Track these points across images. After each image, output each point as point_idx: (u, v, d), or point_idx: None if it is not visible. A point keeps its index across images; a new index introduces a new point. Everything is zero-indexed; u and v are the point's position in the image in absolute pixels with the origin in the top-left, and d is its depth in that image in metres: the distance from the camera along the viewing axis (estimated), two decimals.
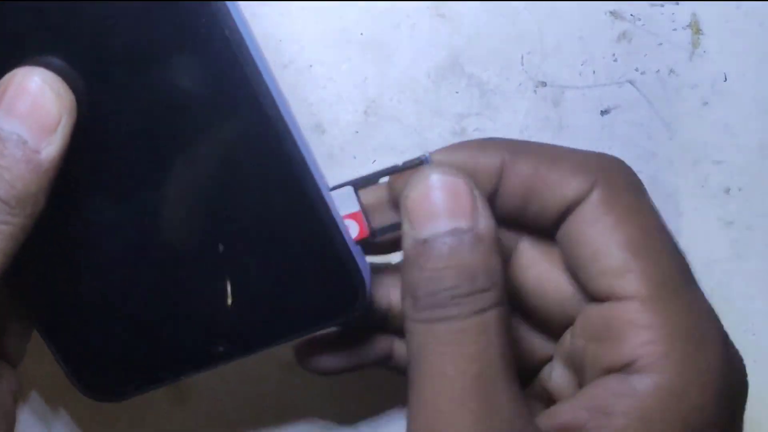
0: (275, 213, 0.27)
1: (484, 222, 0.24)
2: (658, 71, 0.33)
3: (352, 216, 0.27)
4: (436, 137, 0.33)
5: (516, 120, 0.33)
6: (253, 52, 0.26)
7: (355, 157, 0.33)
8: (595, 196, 0.25)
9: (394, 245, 0.28)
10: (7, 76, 0.25)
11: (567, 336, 0.27)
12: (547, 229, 0.27)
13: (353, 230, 0.27)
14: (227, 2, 0.25)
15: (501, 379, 0.23)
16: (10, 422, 0.28)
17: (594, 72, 0.33)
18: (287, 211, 0.27)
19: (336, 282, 0.27)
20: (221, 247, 0.27)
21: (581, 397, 0.25)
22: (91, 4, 0.25)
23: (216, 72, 0.25)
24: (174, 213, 0.27)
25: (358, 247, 0.27)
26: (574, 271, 0.26)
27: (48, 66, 0.25)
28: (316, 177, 0.26)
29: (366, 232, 0.27)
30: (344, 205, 0.27)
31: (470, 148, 0.26)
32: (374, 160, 0.33)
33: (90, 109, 0.26)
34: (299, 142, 0.26)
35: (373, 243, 0.27)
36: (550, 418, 0.25)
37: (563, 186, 0.25)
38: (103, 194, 0.27)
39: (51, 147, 0.25)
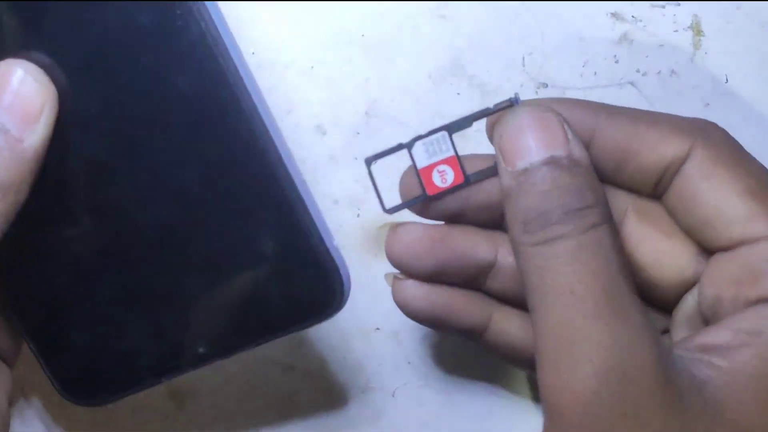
0: (253, 215, 0.27)
1: (579, 151, 0.25)
2: (659, 72, 0.33)
3: (447, 161, 0.27)
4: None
5: None
6: (231, 50, 0.26)
7: (356, 158, 0.33)
8: (699, 154, 0.25)
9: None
10: None
11: (687, 298, 0.27)
12: (642, 191, 0.27)
13: (448, 176, 0.27)
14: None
15: (627, 292, 0.24)
16: (5, 422, 0.28)
17: (595, 73, 0.33)
18: (266, 213, 0.26)
19: (315, 284, 0.27)
20: (200, 249, 0.27)
21: (723, 323, 0.25)
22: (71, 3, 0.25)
23: (191, 68, 0.26)
24: (153, 215, 0.27)
25: (338, 248, 0.27)
26: (693, 228, 0.26)
27: (30, 59, 0.26)
28: (296, 179, 0.26)
29: (461, 178, 0.27)
30: (439, 150, 0.27)
31: (564, 103, 0.27)
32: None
33: (69, 104, 0.26)
34: (276, 141, 0.26)
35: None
36: (686, 341, 0.25)
37: (663, 145, 0.26)
38: (79, 197, 0.27)
39: (34, 136, 0.25)
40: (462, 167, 0.27)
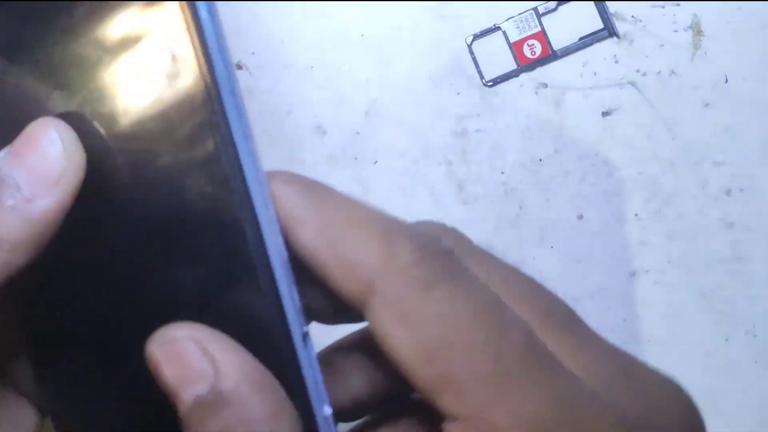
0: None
1: (227, 378, 0.21)
2: (659, 72, 0.33)
3: (535, 36, 0.32)
4: (437, 138, 0.33)
5: (517, 121, 0.33)
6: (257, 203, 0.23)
7: (356, 158, 0.33)
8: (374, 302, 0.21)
9: None
10: (31, 124, 0.25)
11: None
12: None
13: (537, 49, 0.32)
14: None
15: None
16: None
17: (595, 73, 0.33)
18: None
19: None
20: None
21: None
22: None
23: (215, 204, 0.22)
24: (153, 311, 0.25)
25: (329, 418, 0.23)
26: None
27: (67, 119, 0.25)
28: (296, 340, 0.22)
29: (548, 51, 0.32)
30: (528, 27, 0.32)
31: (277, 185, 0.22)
32: (375, 161, 0.33)
33: (98, 175, 0.25)
34: (287, 308, 0.22)
35: None
36: None
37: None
38: (96, 281, 0.26)
39: (46, 200, 0.24)
40: (549, 42, 0.32)
